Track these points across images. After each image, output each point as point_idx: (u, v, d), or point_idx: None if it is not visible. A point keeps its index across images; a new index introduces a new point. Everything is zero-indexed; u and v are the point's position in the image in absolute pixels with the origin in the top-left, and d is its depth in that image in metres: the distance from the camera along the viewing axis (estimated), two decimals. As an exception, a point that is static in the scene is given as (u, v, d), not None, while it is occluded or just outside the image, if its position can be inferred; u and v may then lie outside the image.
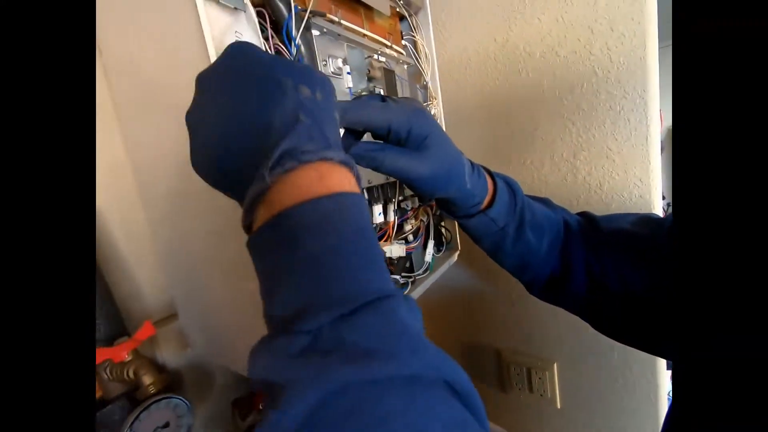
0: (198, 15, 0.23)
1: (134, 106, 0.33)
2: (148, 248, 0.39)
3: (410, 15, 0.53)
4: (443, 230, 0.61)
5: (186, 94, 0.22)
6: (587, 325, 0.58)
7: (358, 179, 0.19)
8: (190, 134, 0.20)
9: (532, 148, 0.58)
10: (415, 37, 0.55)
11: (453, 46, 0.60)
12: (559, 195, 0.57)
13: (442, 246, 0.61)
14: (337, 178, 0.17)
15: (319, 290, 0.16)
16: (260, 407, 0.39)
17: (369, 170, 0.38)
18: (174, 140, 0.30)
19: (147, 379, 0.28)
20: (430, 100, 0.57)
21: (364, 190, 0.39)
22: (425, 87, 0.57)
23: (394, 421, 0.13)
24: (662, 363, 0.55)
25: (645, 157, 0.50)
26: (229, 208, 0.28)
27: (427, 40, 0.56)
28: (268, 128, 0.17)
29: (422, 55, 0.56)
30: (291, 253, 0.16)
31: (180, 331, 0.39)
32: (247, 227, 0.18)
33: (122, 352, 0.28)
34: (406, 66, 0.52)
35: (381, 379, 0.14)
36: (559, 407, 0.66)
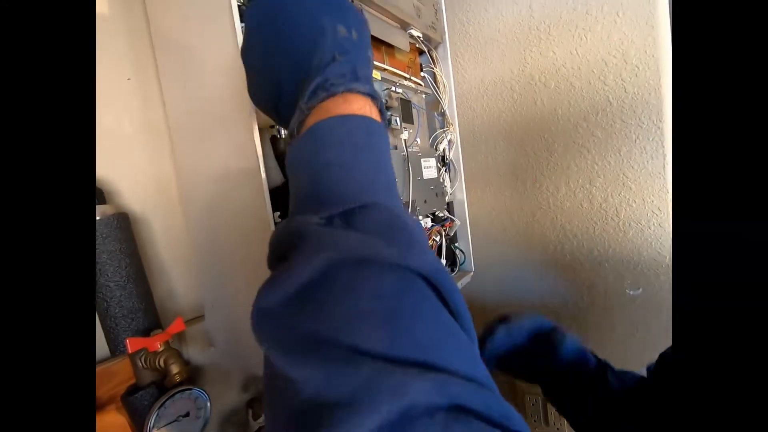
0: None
1: (185, 131, 0.39)
2: (184, 254, 0.44)
3: (429, 50, 0.57)
4: (457, 251, 0.62)
5: (222, 126, 0.26)
6: (607, 356, 0.57)
7: (381, 112, 0.21)
8: (246, 71, 0.23)
9: (548, 173, 0.59)
10: (434, 69, 0.59)
11: (470, 77, 0.64)
12: (575, 221, 0.57)
13: (456, 267, 0.62)
14: (359, 104, 0.19)
15: (335, 188, 0.18)
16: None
17: None
18: (213, 159, 0.35)
19: (174, 368, 0.31)
20: (447, 126, 0.60)
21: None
22: (443, 114, 0.60)
23: (383, 301, 0.14)
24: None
25: (662, 186, 0.49)
26: (255, 223, 0.32)
27: (446, 72, 0.60)
28: (309, 66, 0.20)
29: (440, 85, 0.60)
30: (315, 159, 0.19)
31: (205, 331, 0.43)
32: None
33: (156, 342, 0.31)
34: (424, 95, 0.56)
35: (377, 260, 0.15)
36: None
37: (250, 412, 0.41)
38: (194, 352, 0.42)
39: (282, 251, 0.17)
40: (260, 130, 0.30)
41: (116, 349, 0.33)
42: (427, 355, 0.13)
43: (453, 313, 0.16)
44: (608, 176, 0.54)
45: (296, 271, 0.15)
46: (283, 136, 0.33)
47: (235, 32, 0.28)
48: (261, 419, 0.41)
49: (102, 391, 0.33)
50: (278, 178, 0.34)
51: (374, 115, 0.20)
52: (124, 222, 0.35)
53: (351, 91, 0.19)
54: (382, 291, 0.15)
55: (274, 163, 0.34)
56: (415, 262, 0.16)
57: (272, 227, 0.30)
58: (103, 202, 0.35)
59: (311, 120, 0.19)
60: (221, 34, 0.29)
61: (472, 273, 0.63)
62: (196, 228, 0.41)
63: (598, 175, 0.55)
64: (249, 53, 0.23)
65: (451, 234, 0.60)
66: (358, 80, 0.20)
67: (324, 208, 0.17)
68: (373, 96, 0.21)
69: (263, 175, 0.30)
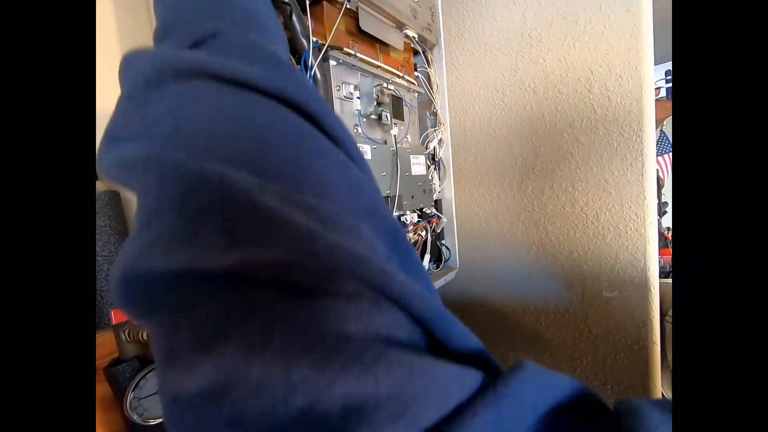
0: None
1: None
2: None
3: (424, 51, 0.59)
4: (443, 248, 0.64)
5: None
6: (581, 356, 0.59)
7: None
8: None
9: (533, 176, 0.61)
10: (428, 69, 0.60)
11: (463, 79, 0.65)
12: (557, 223, 0.59)
13: (441, 263, 0.64)
14: None
15: (194, 17, 0.17)
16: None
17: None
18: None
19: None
20: (438, 126, 0.62)
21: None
22: (435, 113, 0.62)
23: (229, 122, 0.13)
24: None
25: (640, 193, 0.51)
26: None
27: (440, 73, 0.62)
28: None
29: (434, 86, 0.62)
30: None
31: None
32: None
33: (140, 315, 0.33)
34: (416, 94, 0.58)
35: (243, 81, 0.13)
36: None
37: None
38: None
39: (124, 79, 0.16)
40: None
41: (101, 321, 0.34)
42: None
43: (333, 139, 0.15)
44: (590, 181, 0.56)
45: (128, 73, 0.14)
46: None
47: None
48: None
49: (85, 362, 0.34)
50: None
51: None
52: (115, 199, 0.36)
53: None
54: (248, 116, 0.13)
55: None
56: (279, 83, 0.13)
57: None
58: (95, 179, 0.36)
59: None
60: None
61: (457, 269, 0.65)
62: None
63: (581, 180, 0.56)
64: None
65: (438, 231, 0.62)
66: None
67: (182, 39, 0.15)
68: None
69: None
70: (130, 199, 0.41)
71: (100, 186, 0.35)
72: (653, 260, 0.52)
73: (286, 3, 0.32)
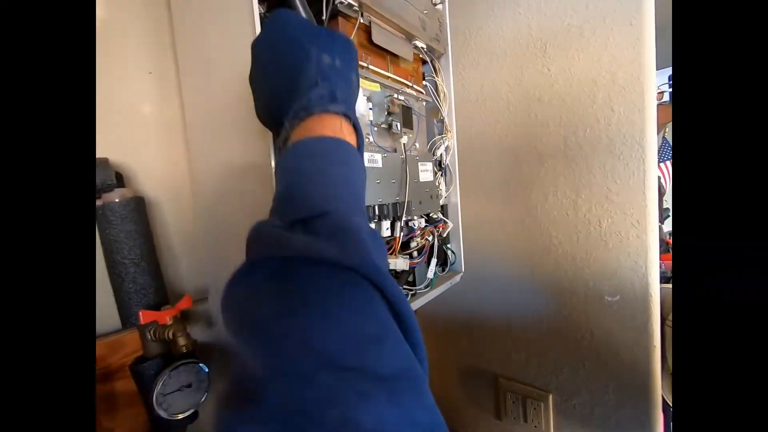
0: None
1: (200, 125, 0.42)
2: (192, 240, 0.47)
3: (432, 60, 0.61)
4: (449, 252, 0.66)
5: (236, 122, 0.29)
6: (584, 358, 0.60)
7: (356, 128, 0.25)
8: (252, 93, 0.27)
9: (538, 182, 0.62)
10: (435, 78, 0.62)
11: (470, 87, 0.67)
12: (560, 228, 0.61)
13: (446, 266, 0.65)
14: (333, 123, 0.23)
15: (304, 196, 0.21)
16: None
17: (381, 189, 0.45)
18: (225, 154, 0.38)
19: (181, 341, 0.34)
20: (445, 133, 0.64)
21: (376, 206, 0.45)
22: (441, 121, 0.64)
23: (325, 298, 0.16)
24: (657, 404, 0.55)
25: (642, 201, 0.53)
26: (254, 213, 0.35)
27: (447, 82, 0.64)
28: (296, 89, 0.24)
29: (441, 94, 0.63)
30: (291, 170, 0.22)
31: (208, 312, 0.46)
32: None
33: (166, 316, 0.34)
34: (425, 103, 0.59)
35: (326, 260, 0.17)
36: (552, 441, 0.66)
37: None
38: (196, 331, 0.45)
39: (248, 248, 0.20)
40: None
41: (127, 321, 0.36)
42: (358, 350, 0.15)
43: (396, 314, 0.18)
44: (593, 188, 0.57)
45: (253, 266, 0.18)
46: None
47: (253, 11, 0.31)
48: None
49: (113, 359, 0.36)
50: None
51: (346, 132, 0.24)
52: (141, 205, 0.38)
53: (327, 111, 0.23)
54: (320, 286, 0.17)
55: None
56: (356, 261, 0.17)
57: None
58: (122, 185, 0.38)
59: (294, 136, 0.23)
60: (239, 37, 0.32)
61: (462, 273, 0.66)
62: (204, 216, 0.44)
63: (584, 187, 0.58)
64: (252, 76, 0.27)
65: (444, 235, 0.64)
66: (335, 101, 0.23)
67: (290, 214, 0.20)
68: (347, 115, 0.24)
69: (273, 172, 0.33)
70: (155, 204, 0.43)
71: (127, 192, 0.37)
72: (654, 266, 0.54)
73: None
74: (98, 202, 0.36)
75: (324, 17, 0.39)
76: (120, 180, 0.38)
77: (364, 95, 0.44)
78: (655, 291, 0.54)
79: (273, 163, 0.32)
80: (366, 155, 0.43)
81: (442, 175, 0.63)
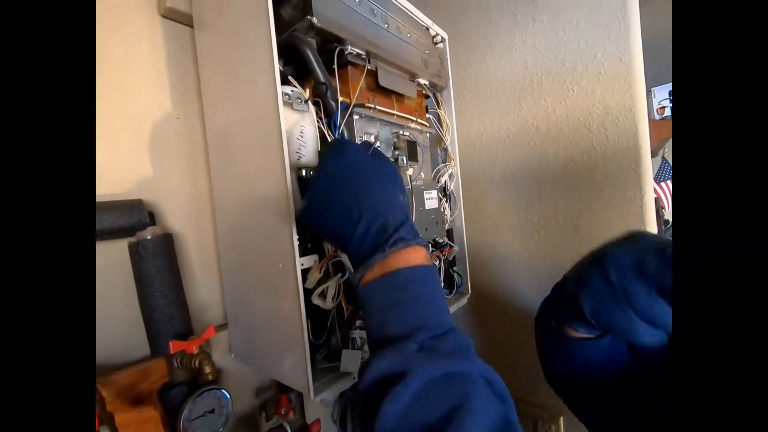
0: (278, 114, 0.34)
1: (221, 158, 0.46)
2: (213, 269, 0.50)
3: (435, 94, 0.65)
4: (455, 275, 0.68)
5: (257, 161, 0.33)
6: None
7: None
8: (309, 193, 0.31)
9: (539, 207, 0.65)
10: (438, 111, 0.66)
11: (471, 118, 0.71)
12: (563, 252, 0.63)
13: (453, 289, 0.67)
14: (423, 255, 0.29)
15: (423, 319, 0.26)
16: (282, 412, 0.46)
17: None
18: (245, 185, 0.42)
19: (207, 369, 0.37)
20: (449, 161, 0.67)
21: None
22: (445, 150, 0.67)
23: (468, 400, 0.21)
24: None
25: (640, 225, 0.55)
26: (278, 246, 0.38)
27: (449, 113, 0.67)
28: (386, 223, 0.28)
29: (444, 125, 0.67)
30: (403, 293, 0.27)
31: (226, 338, 0.49)
32: (360, 278, 0.28)
33: (193, 346, 0.37)
34: (428, 134, 0.63)
35: (459, 372, 0.23)
36: (564, 465, 0.66)
37: (263, 414, 0.46)
38: (215, 357, 0.47)
39: (392, 372, 0.24)
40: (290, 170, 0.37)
41: (157, 350, 0.39)
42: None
43: (502, 399, 0.24)
44: (594, 212, 0.59)
45: (408, 386, 0.22)
46: (305, 176, 0.39)
47: (274, 69, 0.35)
48: (272, 421, 0.46)
49: (142, 387, 0.39)
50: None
51: (426, 258, 0.29)
52: (169, 240, 0.42)
53: (418, 244, 0.29)
54: (461, 393, 0.22)
55: (297, 194, 0.40)
56: (479, 369, 0.24)
57: (295, 250, 0.36)
58: (153, 223, 0.41)
59: (393, 262, 0.27)
60: (261, 72, 0.36)
61: (468, 295, 0.68)
62: (225, 246, 0.47)
63: (585, 211, 0.60)
64: (322, 185, 0.31)
65: (450, 259, 0.66)
66: (418, 236, 0.29)
67: (416, 334, 0.25)
68: (426, 246, 0.30)
69: (291, 204, 0.36)
70: (182, 239, 0.47)
71: (158, 230, 0.40)
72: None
73: (323, 83, 0.38)
74: (132, 239, 0.39)
75: (334, 66, 0.43)
76: (151, 218, 0.42)
77: (371, 133, 0.48)
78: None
79: (289, 194, 0.35)
80: (375, 189, 0.47)
81: (446, 201, 0.66)
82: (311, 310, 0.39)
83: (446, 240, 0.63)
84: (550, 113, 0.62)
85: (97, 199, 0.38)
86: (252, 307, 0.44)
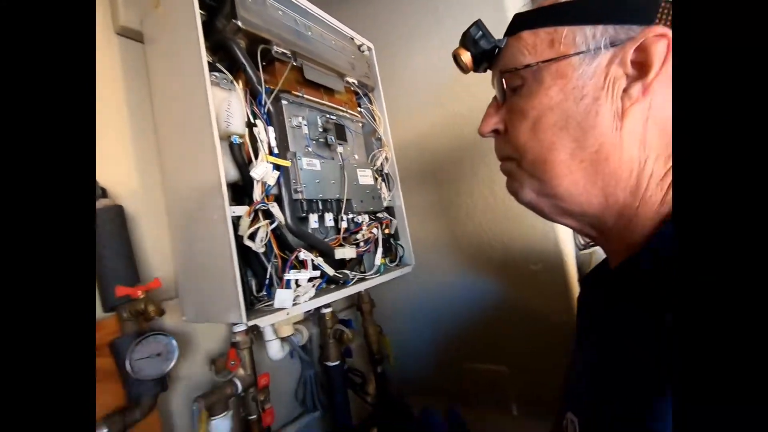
0: (206, 91, 0.42)
1: (167, 139, 0.53)
2: (167, 247, 0.55)
3: (365, 93, 0.75)
4: (399, 247, 0.75)
5: (194, 130, 0.40)
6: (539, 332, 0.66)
7: None
8: None
9: (464, 180, 0.74)
10: (370, 106, 0.76)
11: (401, 110, 0.82)
12: (487, 215, 0.71)
13: (397, 260, 0.74)
14: None
15: None
16: (230, 364, 0.50)
17: (321, 187, 0.55)
18: (188, 166, 0.49)
19: (151, 308, 0.41)
20: (383, 147, 0.76)
21: (319, 201, 0.55)
22: (379, 139, 0.77)
23: None
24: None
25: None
26: (209, 201, 0.44)
27: (380, 108, 0.78)
28: None
29: (377, 118, 0.77)
30: None
31: (179, 306, 0.54)
32: None
33: (138, 290, 0.42)
34: (361, 124, 0.72)
35: None
36: (515, 414, 0.70)
37: (213, 367, 0.50)
38: (168, 324, 0.52)
39: None
40: (220, 139, 0.45)
41: (106, 304, 0.44)
42: None
43: None
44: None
45: None
46: (237, 142, 0.47)
47: (201, 57, 0.43)
48: (221, 374, 0.50)
49: (96, 340, 0.43)
50: (234, 175, 0.48)
51: None
52: (119, 211, 0.48)
53: None
54: None
55: (231, 164, 0.47)
56: None
57: (225, 200, 0.42)
58: (105, 197, 0.48)
59: None
60: (192, 60, 0.44)
61: (412, 265, 0.75)
62: (174, 223, 0.53)
63: (500, 178, 0.70)
64: None
65: (392, 232, 0.73)
66: None
67: None
68: None
69: (221, 163, 0.43)
70: (134, 218, 0.52)
71: (108, 202, 0.46)
72: (561, 231, 0.63)
73: (244, 65, 0.47)
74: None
75: (259, 62, 0.52)
76: (104, 193, 0.48)
77: (299, 116, 0.56)
78: (568, 254, 0.63)
79: (219, 155, 0.42)
80: (305, 160, 0.55)
81: (383, 180, 0.75)
82: (255, 268, 0.46)
83: (386, 214, 0.71)
84: (473, 99, 0.73)
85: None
86: (196, 260, 0.49)
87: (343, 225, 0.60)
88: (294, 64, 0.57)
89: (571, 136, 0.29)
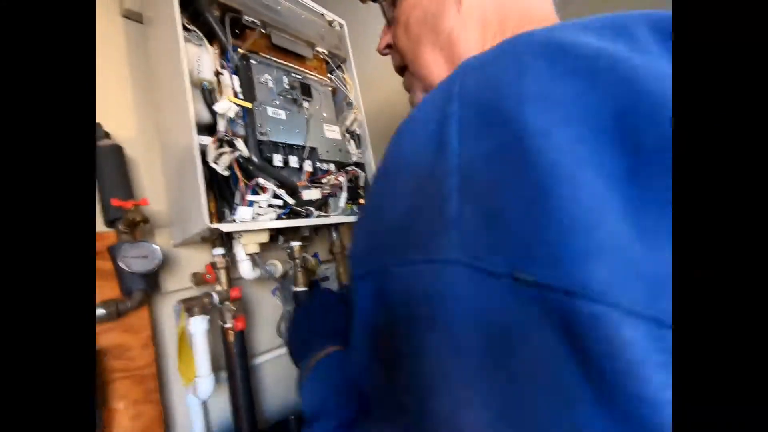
0: (180, 44, 0.53)
1: (159, 91, 0.64)
2: (160, 185, 0.67)
3: (338, 65, 0.85)
4: (362, 192, 0.82)
5: (174, 79, 0.51)
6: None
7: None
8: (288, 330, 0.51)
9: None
10: (342, 75, 0.85)
11: (375, 80, 0.90)
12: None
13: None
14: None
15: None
16: (206, 278, 0.60)
17: (286, 133, 0.63)
18: (173, 117, 0.60)
19: (138, 217, 0.52)
20: (354, 111, 0.85)
21: (284, 146, 0.65)
22: (350, 103, 0.85)
23: None
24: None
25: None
26: (183, 136, 0.54)
27: (351, 77, 0.87)
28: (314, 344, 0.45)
29: (348, 85, 0.86)
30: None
31: (170, 233, 0.64)
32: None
33: (129, 204, 0.53)
34: (329, 88, 0.82)
35: None
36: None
37: (193, 279, 0.60)
38: (160, 244, 0.62)
39: None
40: (193, 84, 0.55)
41: (107, 218, 0.55)
42: None
43: None
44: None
45: None
46: (207, 87, 0.57)
47: (176, 20, 0.54)
48: (200, 288, 0.60)
49: (99, 247, 0.54)
50: (207, 117, 0.58)
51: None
52: (119, 150, 0.59)
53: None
54: None
55: (202, 105, 0.57)
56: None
57: (196, 144, 0.53)
58: (107, 138, 0.59)
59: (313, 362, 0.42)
60: (169, 23, 0.55)
61: (380, 214, 0.82)
62: (166, 160, 0.64)
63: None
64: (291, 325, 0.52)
65: (360, 183, 0.81)
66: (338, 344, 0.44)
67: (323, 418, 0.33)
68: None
69: (191, 104, 0.54)
70: (132, 160, 0.64)
71: (109, 142, 0.58)
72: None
73: (214, 26, 0.57)
74: (94, 149, 0.57)
75: (227, 30, 0.62)
76: (108, 135, 0.60)
77: (266, 74, 0.66)
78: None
79: (188, 96, 0.53)
80: (270, 109, 0.64)
81: (352, 138, 0.83)
82: (225, 193, 0.56)
83: (353, 167, 0.79)
84: (422, 62, 0.81)
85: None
86: (179, 189, 0.59)
87: (308, 169, 0.69)
88: (263, 31, 0.67)
89: (429, 26, 0.36)
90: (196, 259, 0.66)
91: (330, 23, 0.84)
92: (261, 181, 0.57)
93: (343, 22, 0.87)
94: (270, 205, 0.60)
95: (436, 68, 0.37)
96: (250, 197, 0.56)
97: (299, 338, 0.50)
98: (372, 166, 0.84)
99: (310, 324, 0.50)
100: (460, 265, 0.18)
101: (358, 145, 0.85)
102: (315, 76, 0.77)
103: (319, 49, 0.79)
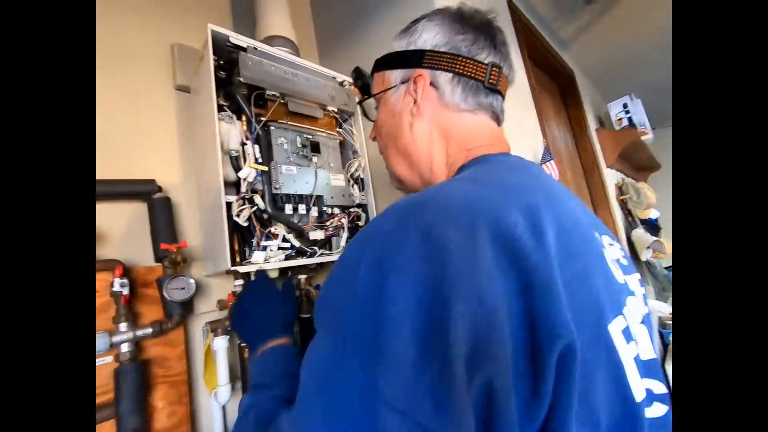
0: (215, 122, 0.69)
1: (199, 160, 0.81)
2: (197, 225, 0.83)
3: (345, 119, 0.98)
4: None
5: (208, 149, 0.67)
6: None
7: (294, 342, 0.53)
8: (232, 317, 0.61)
9: (420, 181, 0.92)
10: (350, 127, 0.99)
11: (378, 129, 1.02)
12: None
13: (365, 244, 0.93)
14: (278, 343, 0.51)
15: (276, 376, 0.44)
16: (229, 304, 0.74)
17: (296, 185, 0.77)
18: (208, 177, 0.75)
19: (179, 258, 0.67)
20: (358, 158, 0.98)
21: (295, 196, 0.78)
22: (355, 152, 0.98)
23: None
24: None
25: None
26: (214, 195, 0.69)
27: (357, 127, 1.00)
28: (269, 329, 0.53)
29: (355, 135, 0.99)
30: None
31: (202, 264, 0.80)
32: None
33: (173, 247, 0.68)
34: (338, 141, 0.95)
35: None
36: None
37: (218, 305, 0.75)
38: (195, 275, 0.78)
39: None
40: (223, 153, 0.71)
41: (156, 256, 0.71)
42: None
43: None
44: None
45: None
46: (234, 155, 0.72)
47: (212, 101, 0.70)
48: (224, 311, 0.74)
49: (149, 277, 0.70)
50: (234, 177, 0.73)
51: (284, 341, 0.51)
52: (168, 200, 0.76)
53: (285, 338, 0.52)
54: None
55: (231, 170, 0.73)
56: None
57: (223, 201, 0.67)
58: (160, 191, 0.76)
59: (263, 350, 0.50)
60: (208, 104, 0.71)
61: (378, 250, 0.94)
62: (201, 208, 0.80)
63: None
64: (236, 309, 0.60)
65: (360, 223, 0.93)
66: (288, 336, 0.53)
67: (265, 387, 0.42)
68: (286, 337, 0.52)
69: (221, 170, 0.69)
70: (178, 206, 0.81)
71: (162, 195, 0.75)
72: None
73: (243, 105, 0.73)
74: (149, 199, 0.74)
75: (252, 104, 0.77)
76: (160, 189, 0.76)
77: (283, 137, 0.81)
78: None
79: (219, 165, 0.68)
80: (284, 167, 0.78)
81: (356, 184, 0.96)
82: (246, 239, 0.70)
83: (355, 209, 0.92)
84: (418, 118, 0.92)
85: (134, 178, 0.74)
86: (210, 231, 0.75)
87: (314, 214, 0.82)
88: (281, 101, 0.82)
89: (393, 139, 0.48)
90: (222, 287, 0.81)
91: (341, 84, 0.98)
92: (273, 229, 0.71)
93: (350, 80, 1.01)
94: (280, 248, 0.73)
95: (400, 168, 0.49)
96: (263, 243, 0.70)
97: (247, 328, 0.55)
98: (373, 207, 0.96)
99: (257, 315, 0.55)
100: None
101: (362, 188, 0.97)
102: (324, 132, 0.91)
103: (330, 108, 0.93)
